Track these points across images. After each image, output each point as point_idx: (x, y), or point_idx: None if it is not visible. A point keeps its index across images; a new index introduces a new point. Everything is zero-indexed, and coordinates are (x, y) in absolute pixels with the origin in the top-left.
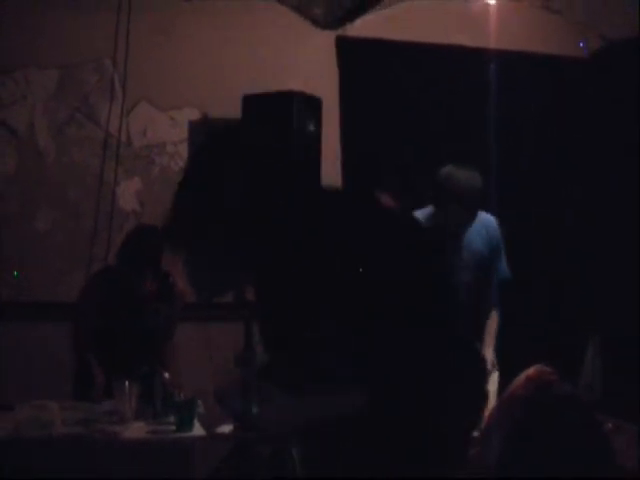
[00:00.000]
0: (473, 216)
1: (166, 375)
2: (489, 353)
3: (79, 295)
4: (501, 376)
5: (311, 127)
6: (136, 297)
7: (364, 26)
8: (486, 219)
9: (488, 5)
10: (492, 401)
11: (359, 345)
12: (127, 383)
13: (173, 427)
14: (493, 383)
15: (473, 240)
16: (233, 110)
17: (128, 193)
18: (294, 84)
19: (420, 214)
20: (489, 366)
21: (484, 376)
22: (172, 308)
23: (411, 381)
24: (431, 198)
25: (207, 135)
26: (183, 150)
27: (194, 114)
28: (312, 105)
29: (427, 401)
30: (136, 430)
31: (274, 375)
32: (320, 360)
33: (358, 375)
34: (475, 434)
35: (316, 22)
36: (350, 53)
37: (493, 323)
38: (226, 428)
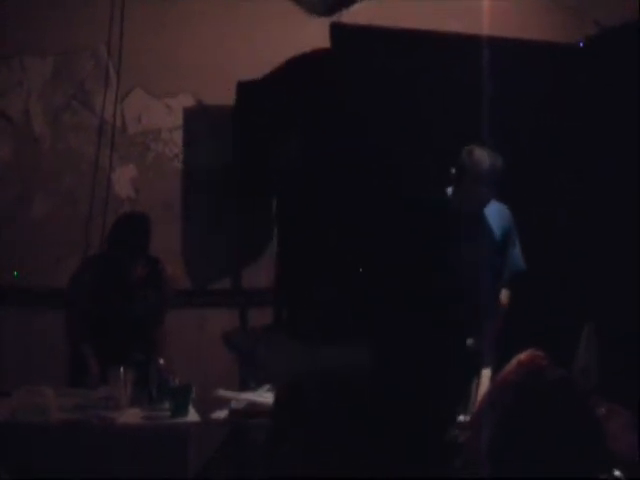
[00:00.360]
0: (491, 195)
1: (161, 361)
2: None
3: (69, 282)
4: (496, 362)
5: None
6: (126, 283)
7: (359, 13)
8: (499, 207)
9: None
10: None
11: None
12: (122, 369)
13: (168, 413)
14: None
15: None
16: (228, 97)
17: (123, 179)
18: None
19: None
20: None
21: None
22: (161, 294)
23: (405, 365)
24: (451, 179)
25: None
26: (178, 137)
27: (189, 101)
28: None
29: (424, 384)
30: (131, 416)
31: (285, 328)
32: (329, 319)
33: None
34: (466, 418)
35: (311, 9)
36: (344, 40)
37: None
38: (221, 414)
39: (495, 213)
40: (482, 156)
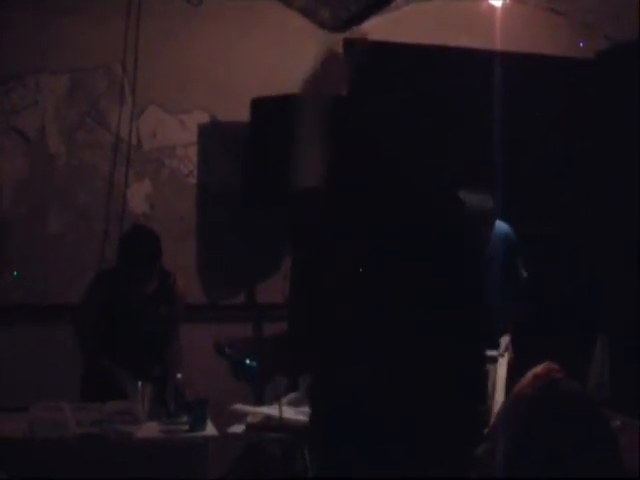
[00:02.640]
0: (487, 235)
1: (179, 376)
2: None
3: (82, 297)
4: (511, 371)
5: None
6: (137, 298)
7: (371, 28)
8: (500, 228)
9: (494, 7)
10: (499, 385)
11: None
12: (140, 384)
13: (186, 427)
14: (502, 367)
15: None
16: (242, 113)
17: (138, 195)
18: None
19: None
20: (502, 349)
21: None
22: (173, 309)
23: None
24: None
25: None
26: (192, 153)
27: (203, 117)
28: None
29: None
30: (149, 430)
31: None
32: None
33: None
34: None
35: (323, 25)
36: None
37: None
38: (238, 428)
39: (497, 238)
40: (471, 203)
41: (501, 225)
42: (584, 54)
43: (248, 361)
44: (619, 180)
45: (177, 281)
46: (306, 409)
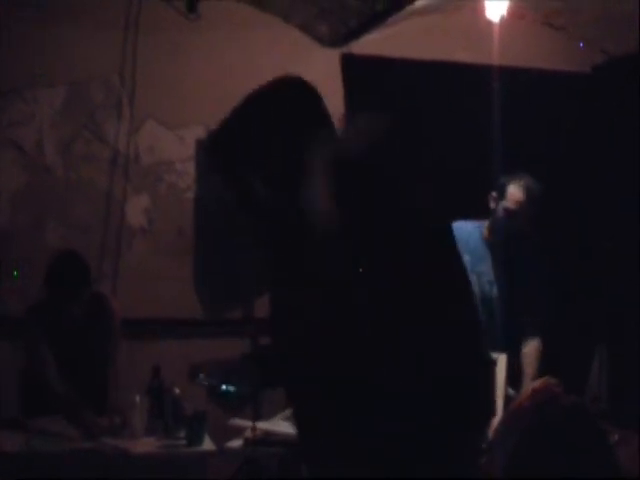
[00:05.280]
0: (521, 228)
1: (176, 390)
2: None
3: (22, 334)
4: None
5: None
6: (70, 325)
7: (369, 44)
8: None
9: (491, 22)
10: (499, 390)
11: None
12: (138, 398)
13: (184, 442)
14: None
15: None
16: None
17: (136, 210)
18: None
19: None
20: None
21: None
22: (107, 328)
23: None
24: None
25: None
26: (190, 167)
27: (201, 132)
28: None
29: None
30: (147, 445)
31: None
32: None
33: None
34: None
35: (321, 40)
36: (355, 71)
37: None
38: (236, 443)
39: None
40: (516, 191)
41: None
42: (581, 68)
43: (224, 387)
44: (617, 194)
45: (109, 300)
46: None
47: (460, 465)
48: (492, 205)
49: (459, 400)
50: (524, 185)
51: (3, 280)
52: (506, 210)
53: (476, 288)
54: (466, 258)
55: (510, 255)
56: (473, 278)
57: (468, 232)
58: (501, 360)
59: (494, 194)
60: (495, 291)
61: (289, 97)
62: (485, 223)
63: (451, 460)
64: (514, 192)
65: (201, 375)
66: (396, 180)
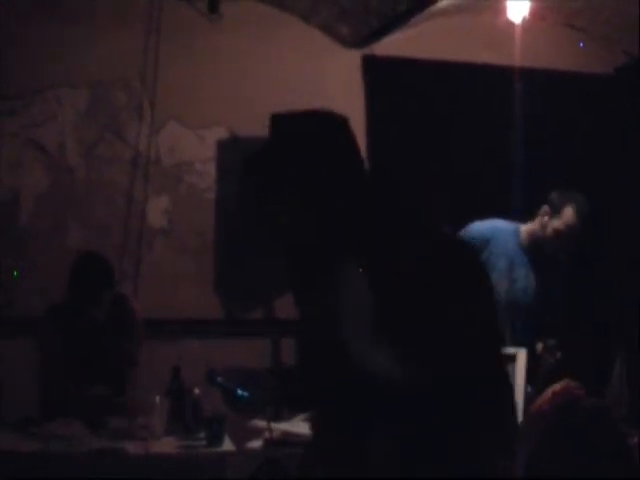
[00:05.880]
0: (565, 248)
1: (196, 391)
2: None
3: (38, 334)
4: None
5: None
6: (91, 327)
7: (390, 45)
8: None
9: (513, 23)
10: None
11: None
12: (158, 398)
13: (204, 442)
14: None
15: None
16: (261, 129)
17: (157, 211)
18: (321, 103)
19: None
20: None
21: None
22: (129, 329)
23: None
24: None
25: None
26: (211, 168)
27: (222, 133)
28: None
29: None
30: (167, 446)
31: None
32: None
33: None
34: None
35: (343, 41)
36: (376, 72)
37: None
38: (256, 444)
39: None
40: (572, 215)
41: None
42: (604, 70)
43: (240, 391)
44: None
45: (132, 303)
46: None
47: (460, 465)
48: (542, 219)
49: (459, 400)
50: (580, 211)
51: (25, 281)
52: (557, 231)
53: (503, 294)
54: (503, 261)
55: (544, 264)
56: (506, 283)
57: (507, 234)
58: (521, 356)
59: (546, 208)
60: (526, 299)
61: (323, 134)
62: (522, 226)
63: (451, 460)
64: (570, 216)
65: (219, 378)
66: (398, 181)
